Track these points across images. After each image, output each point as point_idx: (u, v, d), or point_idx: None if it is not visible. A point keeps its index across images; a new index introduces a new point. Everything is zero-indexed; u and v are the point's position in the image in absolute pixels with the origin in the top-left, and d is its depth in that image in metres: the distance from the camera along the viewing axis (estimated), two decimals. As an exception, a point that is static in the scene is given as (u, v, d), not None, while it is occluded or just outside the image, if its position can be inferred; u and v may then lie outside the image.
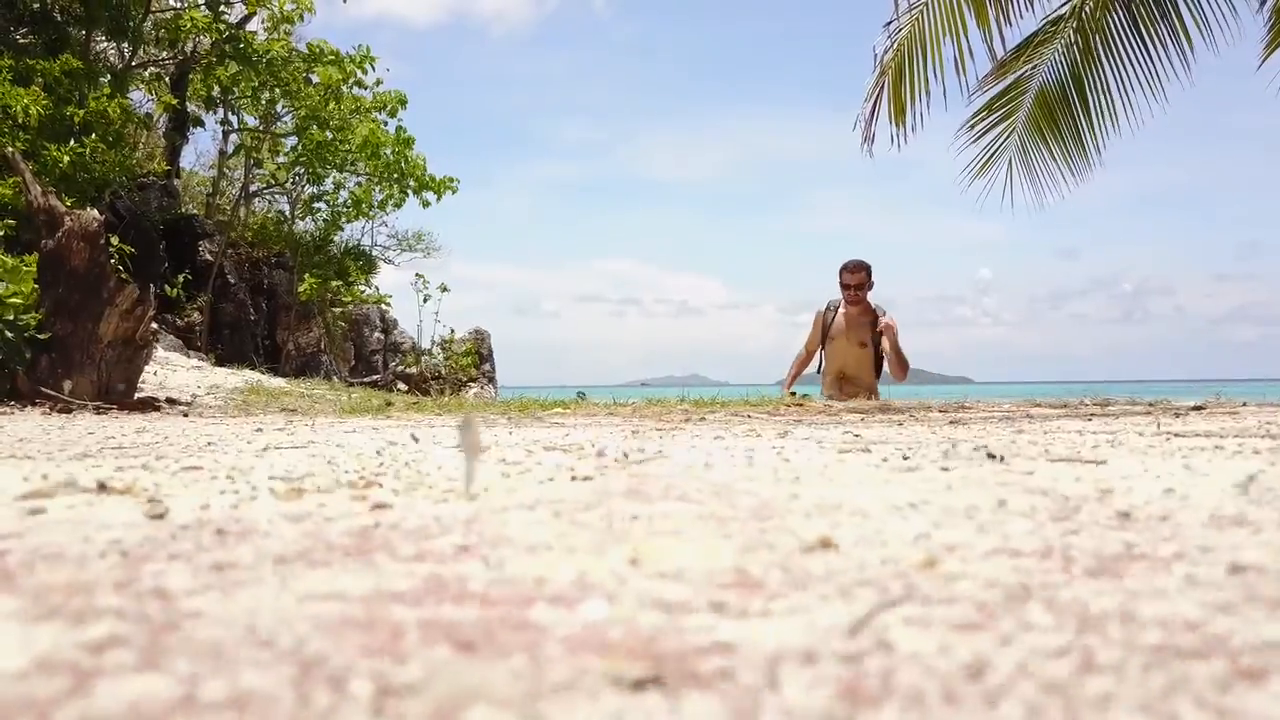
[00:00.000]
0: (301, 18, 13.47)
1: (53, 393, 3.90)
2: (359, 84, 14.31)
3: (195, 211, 15.45)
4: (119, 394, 4.02)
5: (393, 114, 14.88)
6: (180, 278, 12.15)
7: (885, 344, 6.22)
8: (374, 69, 13.85)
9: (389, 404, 4.47)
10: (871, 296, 6.34)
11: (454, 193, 15.26)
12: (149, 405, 4.04)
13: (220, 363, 12.25)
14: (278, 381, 5.47)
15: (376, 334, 16.33)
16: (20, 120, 8.99)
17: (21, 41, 10.93)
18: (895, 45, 8.25)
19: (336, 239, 14.75)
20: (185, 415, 3.67)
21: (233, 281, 12.70)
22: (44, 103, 9.13)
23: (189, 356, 6.54)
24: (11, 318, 3.93)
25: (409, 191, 14.80)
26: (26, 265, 4.10)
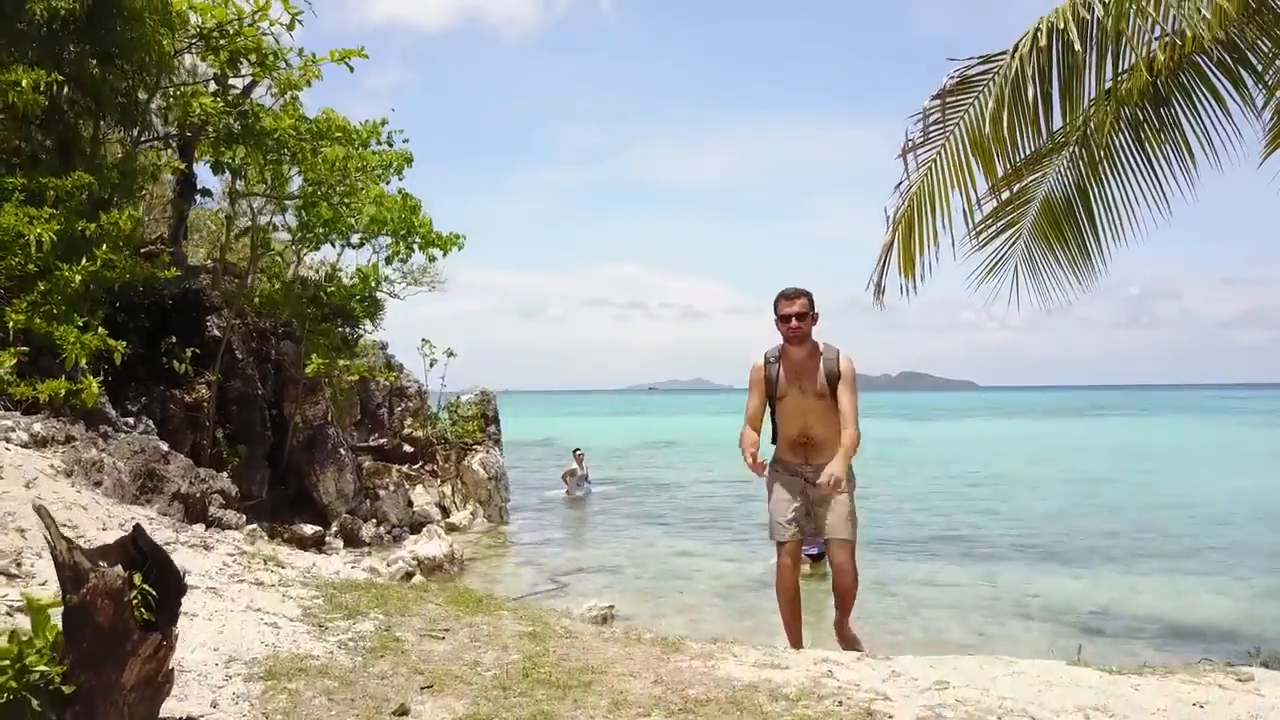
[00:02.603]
0: (309, 83, 13.42)
1: (81, 743, 4.09)
2: (364, 144, 14.38)
3: (202, 255, 15.51)
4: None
5: (398, 172, 14.95)
6: (188, 353, 12.28)
7: (844, 394, 5.10)
8: (379, 141, 13.84)
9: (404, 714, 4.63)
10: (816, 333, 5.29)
11: (460, 249, 15.38)
12: (172, 746, 4.24)
13: (230, 440, 12.47)
14: (292, 614, 5.66)
15: (382, 382, 16.49)
16: (34, 245, 9.05)
17: (33, 131, 10.90)
18: (906, 203, 8.35)
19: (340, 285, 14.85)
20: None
21: (240, 357, 12.83)
22: (56, 227, 9.18)
23: (202, 546, 6.69)
24: (36, 679, 4.12)
25: (415, 247, 14.96)
26: (50, 614, 4.26)
